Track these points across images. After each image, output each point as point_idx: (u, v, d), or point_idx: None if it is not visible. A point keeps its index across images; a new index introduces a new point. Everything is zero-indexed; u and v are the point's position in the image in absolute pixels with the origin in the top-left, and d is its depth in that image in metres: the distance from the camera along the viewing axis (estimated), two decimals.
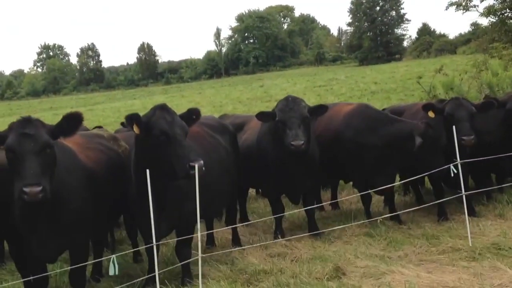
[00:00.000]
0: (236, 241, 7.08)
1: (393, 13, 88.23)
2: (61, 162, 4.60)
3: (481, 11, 17.81)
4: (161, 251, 6.41)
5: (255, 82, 57.56)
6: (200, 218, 7.18)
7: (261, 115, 6.89)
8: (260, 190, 9.51)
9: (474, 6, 18.24)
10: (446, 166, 6.39)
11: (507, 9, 17.30)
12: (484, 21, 18.29)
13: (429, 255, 5.98)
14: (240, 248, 6.72)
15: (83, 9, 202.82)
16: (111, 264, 4.60)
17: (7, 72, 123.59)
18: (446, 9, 18.82)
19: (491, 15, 17.75)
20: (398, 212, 7.28)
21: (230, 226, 7.10)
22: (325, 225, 7.63)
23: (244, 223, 7.97)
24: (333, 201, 8.84)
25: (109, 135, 6.45)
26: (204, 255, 4.91)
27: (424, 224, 7.13)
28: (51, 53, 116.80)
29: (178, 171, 4.88)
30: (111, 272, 4.55)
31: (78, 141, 5.39)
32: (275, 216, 7.25)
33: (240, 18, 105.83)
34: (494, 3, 17.62)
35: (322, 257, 6.06)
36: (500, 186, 7.69)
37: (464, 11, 18.41)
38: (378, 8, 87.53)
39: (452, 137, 6.31)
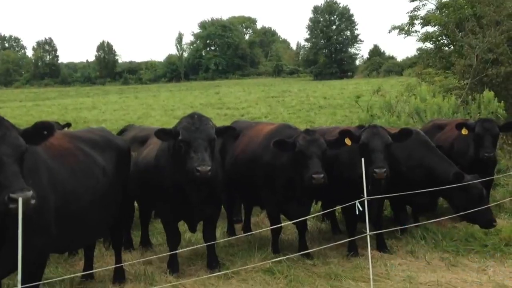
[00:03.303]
0: (118, 275, 6.08)
1: (348, 33, 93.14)
2: None
3: (420, 36, 18.06)
4: None
5: (212, 89, 57.35)
6: (62, 251, 6.44)
7: (161, 133, 6.00)
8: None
9: (416, 31, 18.42)
10: (351, 203, 5.77)
11: (444, 36, 17.43)
12: (424, 46, 18.60)
13: None
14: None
15: (43, 2, 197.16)
16: None
17: None
18: (389, 32, 19.08)
19: (428, 41, 17.94)
20: (307, 251, 6.61)
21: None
22: (227, 255, 6.91)
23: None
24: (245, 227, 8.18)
25: None
26: None
27: (331, 260, 6.50)
28: (6, 45, 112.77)
29: None
30: None
31: None
32: (170, 247, 6.44)
33: (203, 25, 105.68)
34: (433, 30, 17.82)
35: None
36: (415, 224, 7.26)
37: (406, 35, 18.55)
38: (334, 27, 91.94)
39: (363, 169, 5.71)
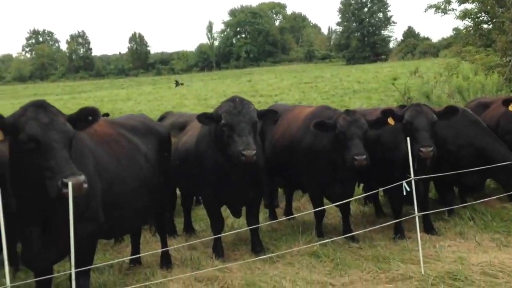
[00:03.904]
0: (165, 260, 6.13)
1: (380, 15, 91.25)
2: None
3: (458, 14, 17.55)
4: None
5: (244, 77, 57.43)
6: (110, 237, 6.52)
7: (203, 117, 5.98)
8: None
9: (452, 9, 17.94)
10: (398, 183, 5.63)
11: (482, 13, 16.88)
12: (461, 25, 18.12)
13: (377, 284, 5.20)
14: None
15: None
16: None
17: None
18: (425, 11, 18.58)
19: (466, 19, 17.44)
20: (352, 234, 6.54)
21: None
22: (271, 240, 6.88)
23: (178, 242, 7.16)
24: (288, 213, 8.14)
25: None
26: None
27: (377, 243, 6.36)
28: (40, 39, 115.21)
29: (48, 189, 3.89)
30: None
31: None
32: (214, 232, 6.46)
33: (233, 13, 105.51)
34: (471, 7, 17.27)
35: (256, 285, 5.27)
36: (463, 204, 7.01)
37: (443, 14, 18.07)
38: (366, 9, 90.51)
39: (409, 148, 5.56)
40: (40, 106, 4.10)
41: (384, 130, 6.50)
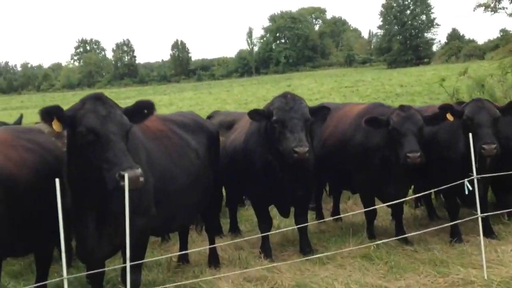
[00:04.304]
0: (213, 259, 6.04)
1: (423, 17, 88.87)
2: None
3: (510, 12, 16.83)
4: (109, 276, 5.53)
5: (283, 81, 57.35)
6: (159, 234, 6.47)
7: (254, 113, 5.85)
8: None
9: (503, 8, 17.20)
10: (459, 182, 5.33)
11: None
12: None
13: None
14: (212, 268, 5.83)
15: (120, 6, 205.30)
16: None
17: (46, 65, 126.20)
18: (474, 11, 17.90)
19: None
20: (405, 235, 6.31)
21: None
22: (320, 241, 6.70)
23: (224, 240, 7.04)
24: (335, 214, 7.91)
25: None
26: None
27: (433, 246, 6.07)
28: (88, 48, 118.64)
29: (106, 181, 3.86)
30: None
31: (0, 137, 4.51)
32: (261, 232, 6.31)
33: (272, 18, 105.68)
34: None
35: (307, 286, 5.10)
36: None
37: (493, 12, 17.35)
38: (408, 12, 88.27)
39: (471, 145, 5.28)
40: (98, 99, 4.11)
41: (440, 127, 6.21)
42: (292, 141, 5.39)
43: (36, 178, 4.38)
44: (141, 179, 3.82)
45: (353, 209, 8.32)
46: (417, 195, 7.02)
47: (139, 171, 3.80)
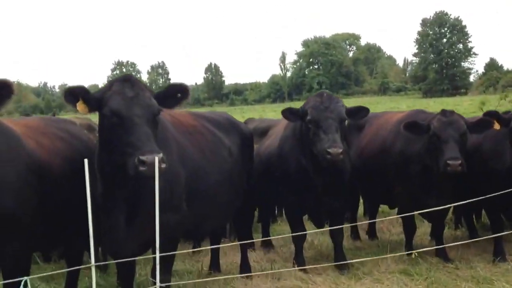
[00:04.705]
0: (244, 267, 5.90)
1: (460, 46, 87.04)
2: None
3: None
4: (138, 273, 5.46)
5: None
6: (191, 236, 6.31)
7: (288, 112, 5.70)
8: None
9: None
10: (506, 191, 5.08)
11: None
12: None
13: None
14: (244, 275, 5.66)
15: (156, 28, 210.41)
16: None
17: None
18: None
19: None
20: (445, 245, 5.99)
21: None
22: (355, 256, 6.45)
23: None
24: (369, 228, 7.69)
25: (85, 123, 5.51)
26: (163, 285, 3.75)
27: (475, 265, 5.79)
28: (124, 70, 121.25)
29: (127, 166, 3.69)
30: None
31: (31, 124, 4.45)
32: (295, 243, 6.16)
33: (306, 44, 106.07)
34: None
35: None
36: None
37: None
38: (445, 40, 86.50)
39: None
40: (127, 80, 3.96)
41: (485, 136, 5.91)
42: (325, 142, 5.21)
43: (68, 167, 4.30)
44: (163, 165, 3.62)
45: (389, 229, 8.10)
46: (453, 204, 6.66)
47: (159, 155, 3.60)
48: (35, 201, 3.90)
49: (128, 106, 3.79)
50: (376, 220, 7.44)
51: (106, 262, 5.06)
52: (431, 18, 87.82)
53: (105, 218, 4.25)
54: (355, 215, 7.96)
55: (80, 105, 3.88)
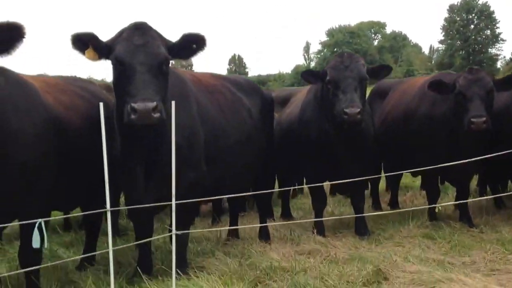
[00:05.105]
0: (263, 234, 5.82)
1: (488, 32, 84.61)
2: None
3: None
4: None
5: None
6: (212, 199, 6.25)
7: (307, 74, 5.64)
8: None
9: None
10: None
11: None
12: None
13: (504, 264, 4.56)
14: (263, 241, 5.57)
15: (178, 19, 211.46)
16: (35, 232, 3.08)
17: (109, 79, 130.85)
18: None
19: None
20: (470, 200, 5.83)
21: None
22: (376, 224, 6.35)
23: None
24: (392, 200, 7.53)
25: (104, 84, 5.49)
26: (178, 232, 3.65)
27: (501, 229, 5.62)
28: None
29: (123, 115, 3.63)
30: (34, 244, 3.07)
31: (50, 81, 4.43)
32: (315, 210, 6.07)
33: (330, 33, 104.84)
34: None
35: (363, 259, 4.76)
36: None
37: None
38: (472, 26, 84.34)
39: None
40: (138, 28, 3.86)
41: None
42: (343, 102, 5.10)
43: (87, 124, 4.29)
44: (155, 115, 3.51)
45: (412, 200, 7.94)
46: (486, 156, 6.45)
47: (152, 104, 3.48)
48: (52, 155, 3.87)
49: (133, 53, 3.69)
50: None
51: (121, 208, 4.98)
52: (458, 4, 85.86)
53: (124, 176, 4.23)
54: (377, 188, 7.81)
55: (89, 52, 3.81)
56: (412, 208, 6.00)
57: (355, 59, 5.41)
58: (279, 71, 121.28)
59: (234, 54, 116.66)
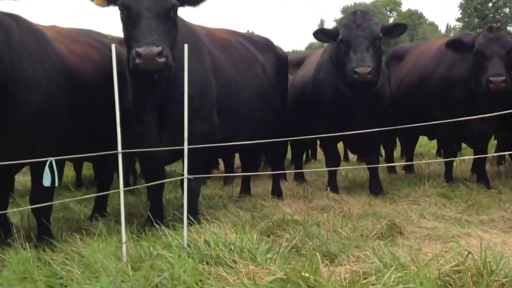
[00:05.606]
0: (276, 191, 5.76)
1: (507, 10, 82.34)
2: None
3: None
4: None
5: None
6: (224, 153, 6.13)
7: (320, 33, 5.50)
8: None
9: None
10: None
11: None
12: None
13: None
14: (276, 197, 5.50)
15: None
16: (46, 170, 2.99)
17: None
18: None
19: None
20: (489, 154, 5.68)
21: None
22: (391, 185, 6.25)
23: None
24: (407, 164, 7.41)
25: (116, 37, 5.38)
26: (190, 176, 3.48)
27: None
28: None
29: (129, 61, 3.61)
30: (45, 182, 2.97)
31: (63, 31, 4.37)
32: (329, 167, 5.94)
33: (345, 10, 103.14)
34: None
35: (377, 214, 4.66)
36: None
37: None
38: (490, 4, 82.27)
39: None
40: None
41: None
42: (354, 62, 4.96)
43: (100, 75, 4.24)
44: (161, 59, 3.48)
45: (427, 166, 7.80)
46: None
47: (157, 49, 3.45)
48: (64, 103, 3.84)
49: None
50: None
51: (132, 150, 4.91)
52: None
53: (136, 126, 4.17)
54: (392, 153, 7.69)
55: None
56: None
57: (367, 17, 5.25)
58: (292, 49, 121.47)
59: (247, 31, 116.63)
